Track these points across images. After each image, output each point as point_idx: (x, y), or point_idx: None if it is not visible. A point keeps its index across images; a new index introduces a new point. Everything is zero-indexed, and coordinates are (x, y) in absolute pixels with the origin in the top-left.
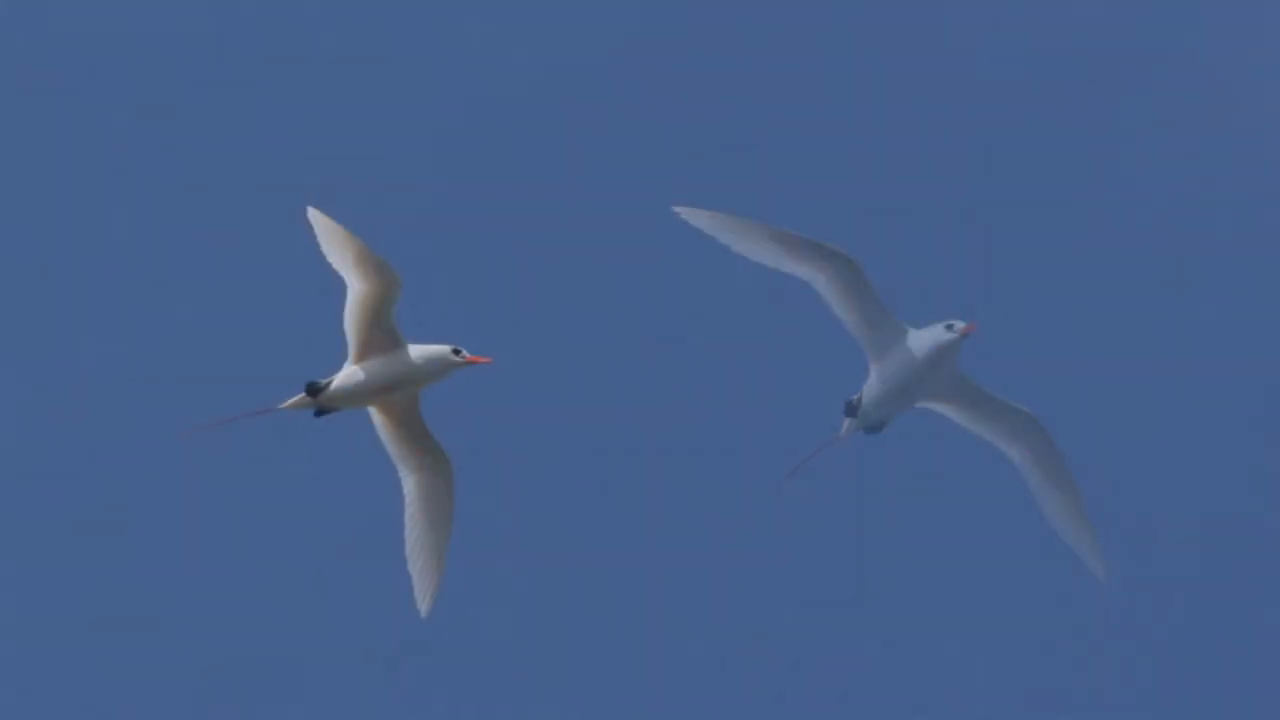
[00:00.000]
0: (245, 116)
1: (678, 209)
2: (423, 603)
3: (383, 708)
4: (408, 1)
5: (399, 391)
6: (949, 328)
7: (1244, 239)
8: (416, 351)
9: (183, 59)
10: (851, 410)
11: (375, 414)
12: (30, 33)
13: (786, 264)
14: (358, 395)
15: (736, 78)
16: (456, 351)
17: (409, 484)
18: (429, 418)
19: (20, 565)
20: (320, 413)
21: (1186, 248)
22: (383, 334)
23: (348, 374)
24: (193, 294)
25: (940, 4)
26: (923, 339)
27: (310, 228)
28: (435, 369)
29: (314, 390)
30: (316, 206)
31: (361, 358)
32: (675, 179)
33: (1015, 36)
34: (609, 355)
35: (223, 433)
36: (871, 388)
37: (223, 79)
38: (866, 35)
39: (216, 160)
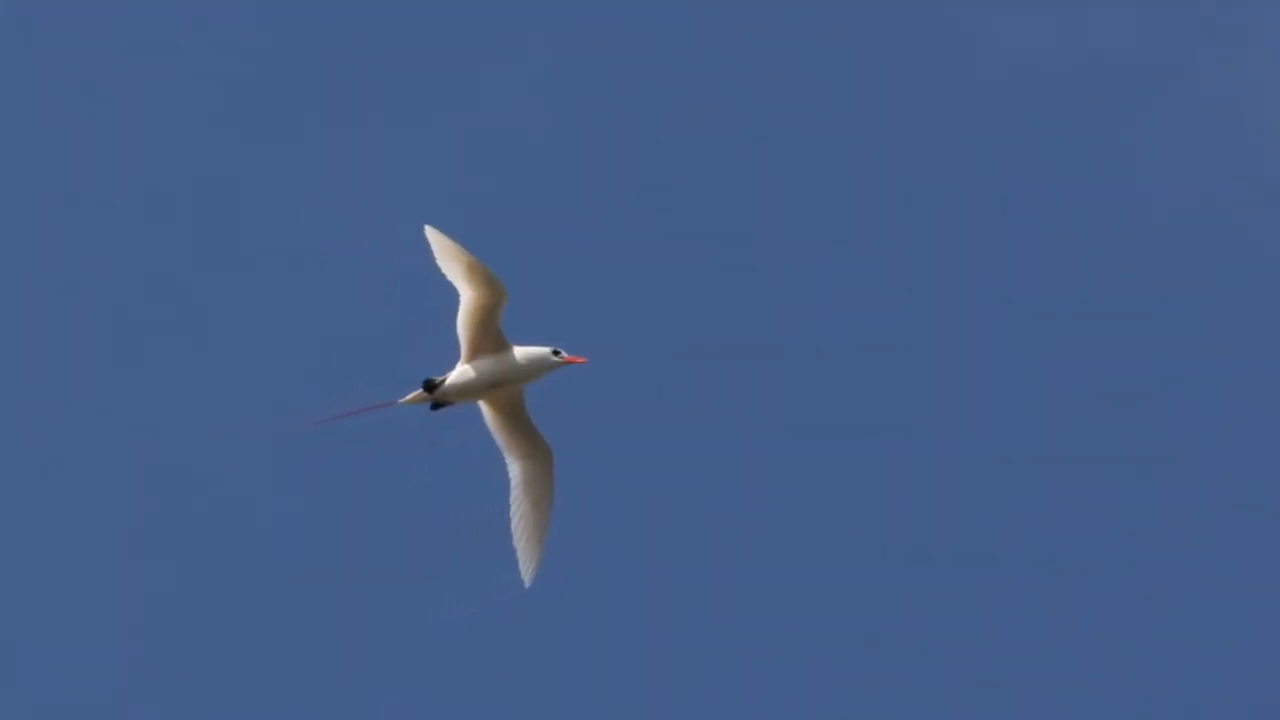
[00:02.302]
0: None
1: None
2: (526, 574)
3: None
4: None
5: (505, 387)
6: (555, 353)
7: (1243, 243)
8: (521, 352)
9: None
10: (430, 387)
11: (484, 407)
12: None
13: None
14: (469, 391)
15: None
16: (556, 353)
17: (514, 469)
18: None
19: (148, 556)
20: (436, 406)
21: (1185, 254)
22: (491, 337)
23: (460, 372)
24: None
25: (943, 10)
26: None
27: (428, 244)
28: (537, 368)
29: (430, 386)
30: (433, 225)
31: (472, 357)
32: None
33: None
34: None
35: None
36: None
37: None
38: (869, 40)
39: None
